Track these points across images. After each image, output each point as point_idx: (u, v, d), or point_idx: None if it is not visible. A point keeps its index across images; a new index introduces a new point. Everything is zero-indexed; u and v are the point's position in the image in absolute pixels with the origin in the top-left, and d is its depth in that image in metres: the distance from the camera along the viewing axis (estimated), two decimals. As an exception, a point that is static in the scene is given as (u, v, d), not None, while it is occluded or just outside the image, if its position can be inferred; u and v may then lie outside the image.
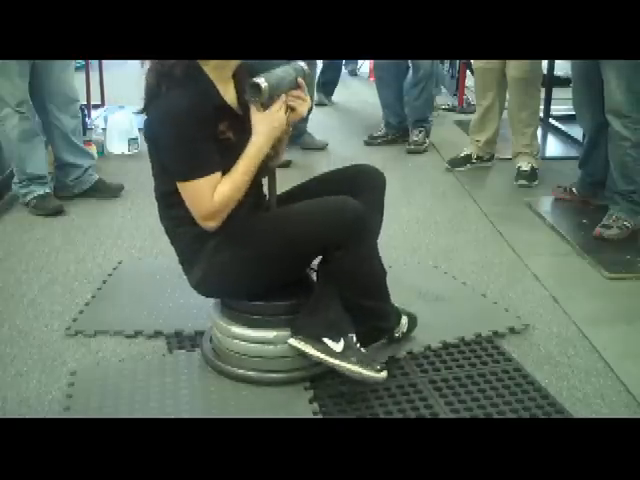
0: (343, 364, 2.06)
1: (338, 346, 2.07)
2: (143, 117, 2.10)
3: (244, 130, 2.08)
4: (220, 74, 2.06)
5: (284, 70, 2.09)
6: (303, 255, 2.14)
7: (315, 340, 2.09)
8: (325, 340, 2.08)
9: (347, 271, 2.10)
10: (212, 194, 2.01)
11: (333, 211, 2.06)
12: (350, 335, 2.10)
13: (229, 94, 2.11)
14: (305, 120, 4.50)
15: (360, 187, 2.20)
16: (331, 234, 2.04)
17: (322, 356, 2.08)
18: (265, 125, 2.05)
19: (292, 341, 2.12)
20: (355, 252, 2.07)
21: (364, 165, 2.34)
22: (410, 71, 4.63)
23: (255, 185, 2.16)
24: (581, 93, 3.44)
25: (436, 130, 4.79)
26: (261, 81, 1.99)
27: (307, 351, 2.10)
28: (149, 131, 2.08)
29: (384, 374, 2.07)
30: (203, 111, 2.00)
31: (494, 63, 3.94)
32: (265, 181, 2.27)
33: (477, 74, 4.16)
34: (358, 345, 2.10)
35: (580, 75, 3.41)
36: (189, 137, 1.98)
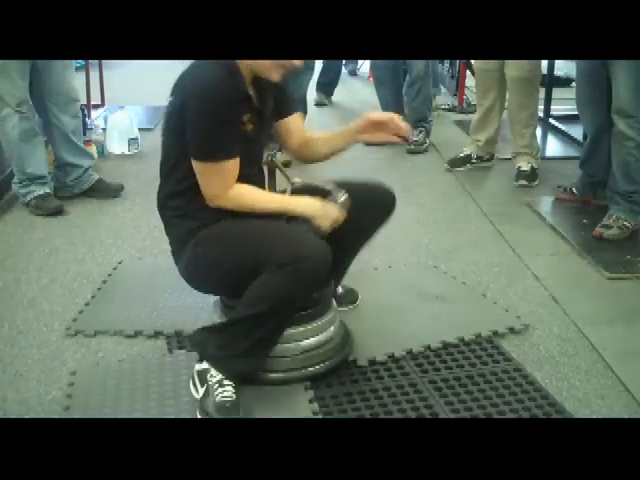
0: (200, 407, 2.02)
1: (201, 390, 2.06)
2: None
3: (262, 127, 2.12)
4: (245, 72, 2.06)
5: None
6: (257, 272, 2.00)
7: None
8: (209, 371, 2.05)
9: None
10: (224, 180, 2.03)
11: (308, 250, 1.97)
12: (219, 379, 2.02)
13: (251, 92, 2.10)
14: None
15: (369, 205, 2.22)
16: (289, 264, 1.93)
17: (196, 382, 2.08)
18: (321, 213, 2.08)
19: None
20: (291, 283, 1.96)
21: (381, 186, 2.36)
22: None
23: (248, 181, 2.15)
24: (585, 92, 3.43)
25: (436, 130, 4.79)
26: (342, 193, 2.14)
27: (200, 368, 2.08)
28: (178, 99, 2.04)
29: None
30: (234, 93, 2.00)
31: (495, 64, 3.94)
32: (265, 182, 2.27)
33: (478, 75, 4.17)
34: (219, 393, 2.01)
35: (584, 74, 3.40)
36: (216, 115, 1.97)
